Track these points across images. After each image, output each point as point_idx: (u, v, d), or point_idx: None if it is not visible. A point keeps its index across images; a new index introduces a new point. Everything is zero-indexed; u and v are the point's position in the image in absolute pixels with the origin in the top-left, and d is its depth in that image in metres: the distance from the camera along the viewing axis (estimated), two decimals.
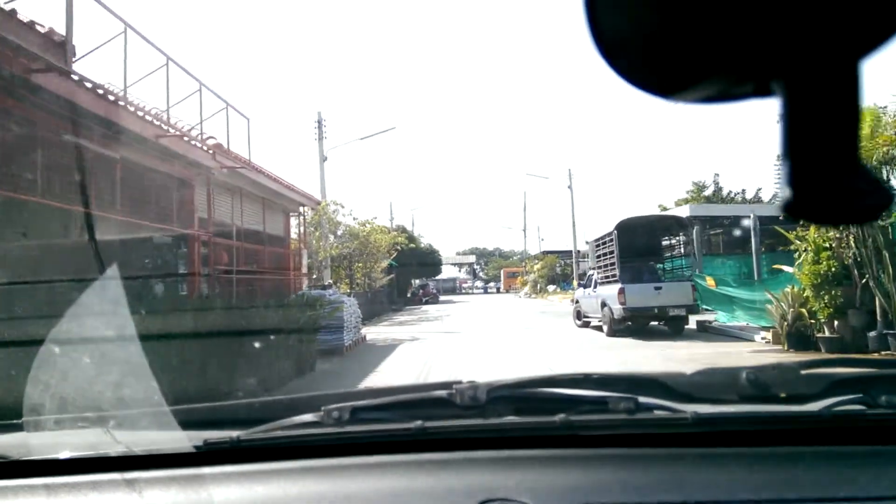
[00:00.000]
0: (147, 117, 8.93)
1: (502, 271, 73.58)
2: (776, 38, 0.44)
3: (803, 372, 1.34)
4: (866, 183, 0.48)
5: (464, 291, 72.86)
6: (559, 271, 47.64)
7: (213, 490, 1.15)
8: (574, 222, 35.90)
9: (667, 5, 0.45)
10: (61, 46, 6.80)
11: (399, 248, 31.98)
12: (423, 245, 48.42)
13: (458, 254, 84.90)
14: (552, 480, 1.11)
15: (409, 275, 45.62)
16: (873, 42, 0.43)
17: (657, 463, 1.16)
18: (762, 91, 0.47)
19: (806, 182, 0.47)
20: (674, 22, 0.45)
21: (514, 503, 1.04)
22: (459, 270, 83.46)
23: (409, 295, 43.93)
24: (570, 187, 35.86)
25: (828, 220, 0.54)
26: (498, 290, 70.07)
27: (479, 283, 78.57)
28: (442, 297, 50.90)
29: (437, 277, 72.31)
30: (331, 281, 19.44)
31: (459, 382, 1.34)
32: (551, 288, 45.72)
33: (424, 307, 36.67)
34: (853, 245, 10.17)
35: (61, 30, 6.93)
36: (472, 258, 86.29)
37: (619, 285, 14.19)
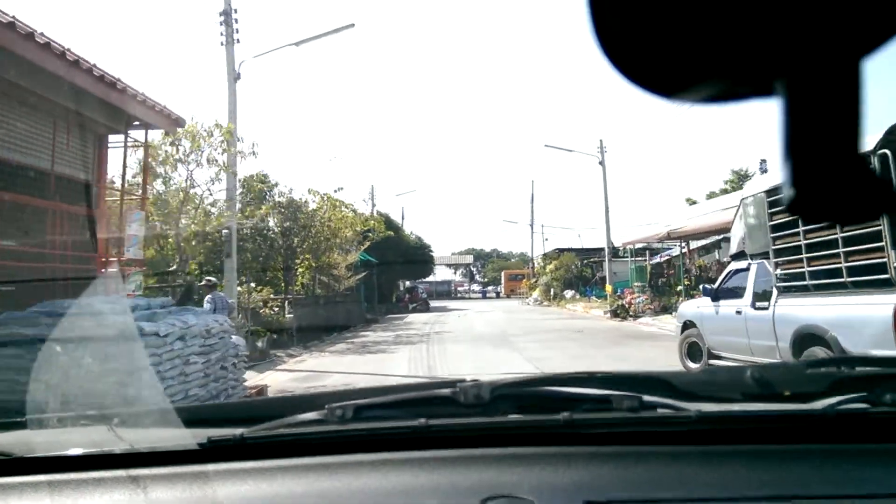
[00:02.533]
0: None
1: (503, 273, 64.88)
2: (777, 37, 0.44)
3: (807, 371, 1.38)
4: (869, 181, 0.48)
5: (460, 295, 64.21)
6: (574, 273, 38.56)
7: (218, 487, 1.13)
8: (607, 206, 26.76)
9: (668, 5, 0.45)
10: None
11: (373, 236, 23.29)
12: (411, 238, 39.32)
13: (454, 254, 75.80)
14: (555, 477, 1.10)
15: (395, 275, 36.64)
16: (875, 41, 0.44)
17: (660, 460, 1.15)
18: (763, 91, 0.47)
19: (808, 181, 0.47)
20: (675, 22, 0.45)
21: (518, 500, 1.03)
22: (455, 273, 75.09)
23: (394, 299, 34.93)
24: (601, 163, 26.76)
25: (831, 219, 0.52)
26: (498, 295, 61.31)
27: (476, 287, 70.08)
28: (435, 303, 41.93)
29: (430, 279, 63.86)
30: (212, 279, 10.26)
31: (463, 380, 1.34)
32: (569, 293, 36.61)
33: (410, 317, 27.71)
34: None
35: None
36: (470, 258, 77.14)
37: None
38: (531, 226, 49.95)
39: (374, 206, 36.41)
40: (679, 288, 21.45)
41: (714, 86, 0.47)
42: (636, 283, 23.04)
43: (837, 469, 1.12)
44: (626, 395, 1.24)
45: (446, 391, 1.27)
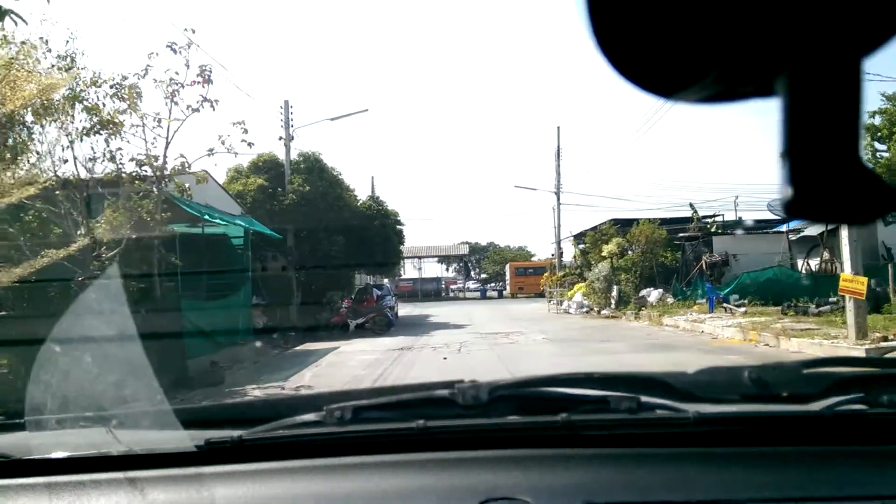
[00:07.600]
0: None
1: (508, 266, 48.64)
2: (777, 37, 0.45)
3: (805, 371, 1.33)
4: (868, 182, 0.47)
5: (453, 295, 47.36)
6: (642, 260, 21.33)
7: (215, 489, 1.15)
8: None
9: (667, 4, 0.45)
10: None
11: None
12: (359, 199, 21.77)
13: (453, 246, 58.70)
14: (554, 479, 1.11)
15: (341, 268, 19.17)
16: (875, 41, 0.44)
17: (659, 462, 1.16)
18: (763, 91, 0.48)
19: (807, 181, 0.47)
20: (674, 21, 0.45)
21: (516, 502, 1.05)
22: (447, 269, 59.01)
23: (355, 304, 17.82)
24: None
25: (829, 220, 0.51)
26: (500, 294, 48.00)
27: (472, 284, 54.22)
28: (418, 308, 26.19)
29: (414, 276, 46.69)
30: None
31: (461, 382, 1.33)
32: (652, 294, 19.33)
33: (326, 361, 10.48)
34: None
35: None
36: (465, 249, 60.25)
37: None
38: (557, 193, 32.75)
39: (290, 137, 19.00)
40: None
41: (714, 85, 0.47)
42: None
43: (835, 471, 1.13)
44: (625, 396, 1.24)
45: (444, 392, 1.27)
